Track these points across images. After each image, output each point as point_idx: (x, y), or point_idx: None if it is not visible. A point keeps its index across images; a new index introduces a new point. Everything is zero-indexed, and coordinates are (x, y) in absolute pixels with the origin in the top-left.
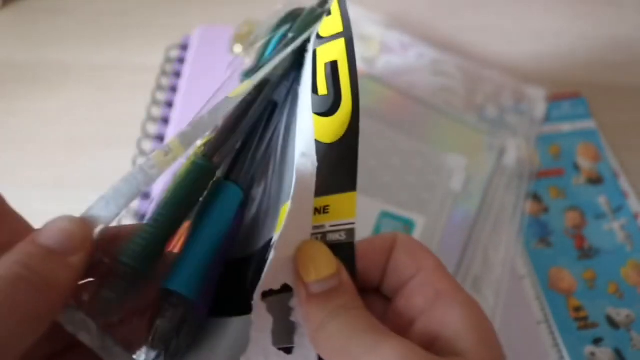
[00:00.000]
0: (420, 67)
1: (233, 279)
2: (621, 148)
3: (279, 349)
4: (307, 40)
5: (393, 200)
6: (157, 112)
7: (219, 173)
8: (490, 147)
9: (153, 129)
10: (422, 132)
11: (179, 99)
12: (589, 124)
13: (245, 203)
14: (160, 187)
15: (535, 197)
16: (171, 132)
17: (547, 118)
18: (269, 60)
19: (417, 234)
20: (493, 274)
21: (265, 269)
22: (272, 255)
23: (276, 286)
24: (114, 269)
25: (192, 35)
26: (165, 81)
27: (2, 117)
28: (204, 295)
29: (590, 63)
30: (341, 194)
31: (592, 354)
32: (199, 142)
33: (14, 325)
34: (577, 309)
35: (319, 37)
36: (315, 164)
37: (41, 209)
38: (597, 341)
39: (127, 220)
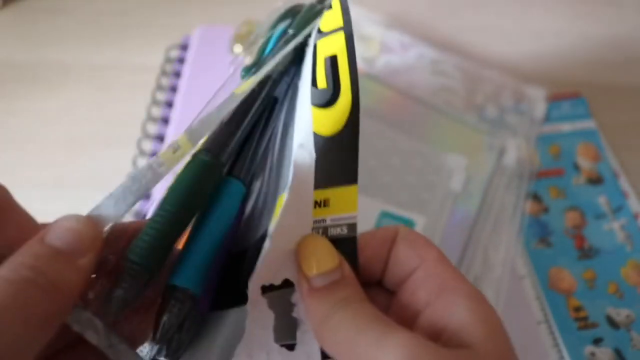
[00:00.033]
0: (420, 67)
1: (230, 272)
2: (621, 148)
3: (282, 345)
4: (308, 35)
5: (393, 200)
6: (157, 112)
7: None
8: (490, 147)
9: (153, 129)
10: (422, 132)
11: (179, 99)
12: (589, 124)
13: (245, 198)
14: (160, 187)
15: (535, 197)
16: (171, 132)
17: (547, 118)
18: (270, 56)
19: None
20: (493, 274)
21: (260, 257)
22: (267, 244)
23: (277, 281)
24: (125, 268)
25: (192, 35)
26: (165, 81)
27: (2, 117)
28: (207, 290)
29: (590, 63)
30: (341, 187)
31: (592, 354)
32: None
33: (22, 329)
34: (577, 309)
35: (319, 31)
36: (314, 155)
37: (41, 209)
38: (597, 341)
39: (127, 220)
